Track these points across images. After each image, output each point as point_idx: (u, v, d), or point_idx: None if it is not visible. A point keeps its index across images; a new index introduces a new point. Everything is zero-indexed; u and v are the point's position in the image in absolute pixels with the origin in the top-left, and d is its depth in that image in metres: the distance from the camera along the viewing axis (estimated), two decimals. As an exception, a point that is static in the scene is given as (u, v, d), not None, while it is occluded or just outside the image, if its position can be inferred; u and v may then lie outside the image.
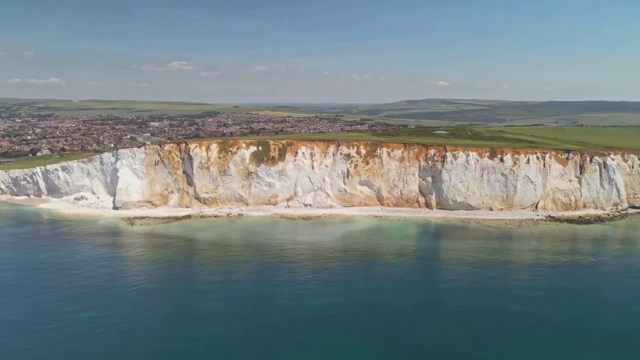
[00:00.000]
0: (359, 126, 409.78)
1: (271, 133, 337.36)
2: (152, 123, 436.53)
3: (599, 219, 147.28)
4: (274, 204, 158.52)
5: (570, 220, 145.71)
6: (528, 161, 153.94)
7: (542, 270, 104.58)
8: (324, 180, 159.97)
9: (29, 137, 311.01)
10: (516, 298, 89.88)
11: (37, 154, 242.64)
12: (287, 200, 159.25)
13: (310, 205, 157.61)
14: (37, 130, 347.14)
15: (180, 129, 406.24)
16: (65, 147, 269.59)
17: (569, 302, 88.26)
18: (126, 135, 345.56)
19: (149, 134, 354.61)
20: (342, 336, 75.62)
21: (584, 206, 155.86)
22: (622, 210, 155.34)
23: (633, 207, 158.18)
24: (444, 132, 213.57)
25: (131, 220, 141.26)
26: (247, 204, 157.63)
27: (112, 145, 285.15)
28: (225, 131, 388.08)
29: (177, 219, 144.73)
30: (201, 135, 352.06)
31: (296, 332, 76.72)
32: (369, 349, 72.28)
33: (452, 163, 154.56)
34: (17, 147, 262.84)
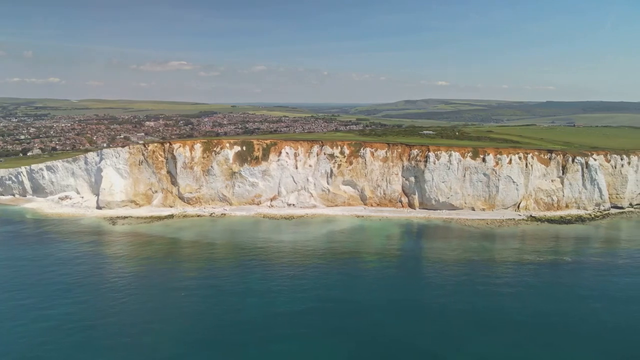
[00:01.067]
0: (354, 126, 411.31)
1: (265, 133, 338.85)
2: (147, 123, 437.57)
3: (580, 219, 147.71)
4: (258, 204, 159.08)
5: (551, 220, 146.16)
6: (510, 161, 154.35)
7: (514, 268, 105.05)
8: (307, 180, 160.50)
9: (22, 137, 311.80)
10: (485, 295, 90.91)
11: (28, 154, 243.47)
12: (271, 200, 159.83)
13: (293, 205, 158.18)
14: (32, 130, 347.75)
15: (175, 128, 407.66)
16: (57, 147, 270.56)
17: (535, 299, 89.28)
18: (120, 135, 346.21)
19: (142, 134, 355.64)
20: (307, 333, 76.34)
21: (567, 206, 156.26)
22: (605, 210, 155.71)
23: (615, 207, 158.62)
24: (431, 132, 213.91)
25: (113, 220, 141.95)
26: (230, 204, 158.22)
27: (104, 145, 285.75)
28: (219, 131, 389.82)
29: (159, 218, 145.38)
30: (195, 134, 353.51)
31: (262, 328, 77.56)
32: (331, 344, 73.27)
33: (434, 163, 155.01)
34: (9, 147, 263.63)
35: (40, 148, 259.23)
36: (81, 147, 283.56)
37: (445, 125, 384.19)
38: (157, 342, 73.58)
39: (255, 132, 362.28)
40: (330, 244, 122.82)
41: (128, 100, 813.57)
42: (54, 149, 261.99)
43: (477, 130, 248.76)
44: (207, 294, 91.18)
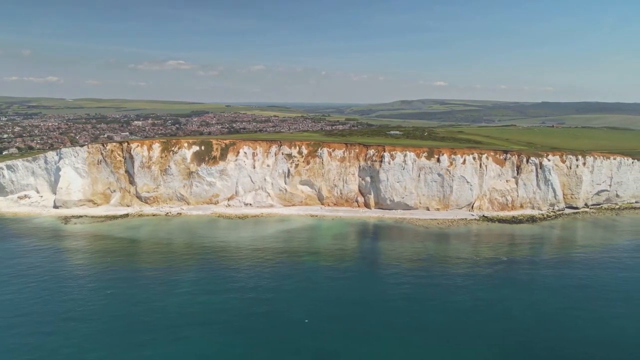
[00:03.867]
0: (341, 126, 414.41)
1: (250, 132, 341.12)
2: (135, 122, 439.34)
3: (531, 219, 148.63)
4: (215, 204, 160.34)
5: (502, 220, 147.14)
6: (464, 161, 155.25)
7: (444, 266, 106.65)
8: (265, 179, 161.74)
9: (5, 136, 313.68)
10: (397, 290, 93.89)
11: (3, 153, 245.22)
12: (228, 200, 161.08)
13: (250, 204, 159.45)
14: (17, 129, 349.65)
15: (161, 127, 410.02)
16: (35, 146, 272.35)
17: (445, 298, 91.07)
18: (104, 135, 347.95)
19: (127, 133, 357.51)
20: (214, 328, 78.11)
21: (521, 206, 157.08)
22: (559, 210, 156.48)
23: (571, 207, 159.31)
24: (398, 132, 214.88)
25: (67, 219, 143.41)
26: (188, 203, 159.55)
27: (86, 144, 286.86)
28: (204, 130, 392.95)
29: (114, 217, 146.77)
30: (179, 134, 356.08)
31: (173, 324, 79.32)
32: (234, 344, 74.46)
33: (389, 163, 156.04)
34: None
35: (17, 147, 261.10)
36: (61, 145, 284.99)
37: (438, 125, 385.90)
38: (62, 333, 75.75)
39: (241, 132, 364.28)
40: (272, 243, 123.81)
41: (123, 99, 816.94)
42: (31, 147, 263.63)
43: (448, 130, 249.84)
44: (131, 293, 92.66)
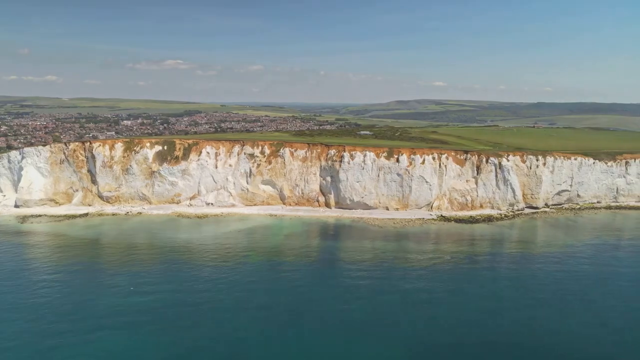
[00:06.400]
0: (328, 126, 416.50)
1: (236, 132, 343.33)
2: (123, 122, 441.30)
3: (488, 219, 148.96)
4: (177, 203, 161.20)
5: (459, 220, 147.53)
6: (423, 162, 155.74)
7: (377, 263, 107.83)
8: (227, 179, 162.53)
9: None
10: (318, 290, 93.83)
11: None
12: (190, 199, 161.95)
13: (212, 204, 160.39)
14: (3, 128, 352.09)
15: (149, 127, 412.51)
16: (17, 145, 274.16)
17: (374, 291, 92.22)
18: (90, 134, 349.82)
19: (113, 133, 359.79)
20: (135, 324, 78.98)
21: (481, 206, 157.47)
22: (518, 210, 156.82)
23: (530, 207, 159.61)
24: (368, 132, 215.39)
25: (25, 218, 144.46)
26: (150, 203, 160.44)
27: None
28: (191, 130, 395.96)
29: (73, 217, 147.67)
30: (165, 133, 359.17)
31: (92, 318, 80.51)
32: (151, 332, 75.85)
33: (349, 163, 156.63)
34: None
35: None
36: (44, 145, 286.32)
37: (423, 125, 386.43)
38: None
39: (227, 131, 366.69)
40: (224, 241, 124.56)
41: (119, 99, 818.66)
42: (9, 146, 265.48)
43: (423, 130, 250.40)
44: (68, 285, 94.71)
